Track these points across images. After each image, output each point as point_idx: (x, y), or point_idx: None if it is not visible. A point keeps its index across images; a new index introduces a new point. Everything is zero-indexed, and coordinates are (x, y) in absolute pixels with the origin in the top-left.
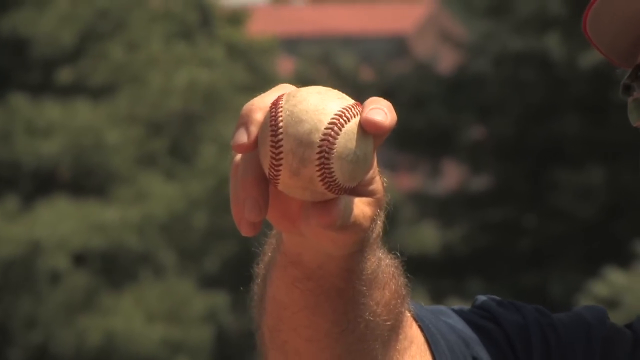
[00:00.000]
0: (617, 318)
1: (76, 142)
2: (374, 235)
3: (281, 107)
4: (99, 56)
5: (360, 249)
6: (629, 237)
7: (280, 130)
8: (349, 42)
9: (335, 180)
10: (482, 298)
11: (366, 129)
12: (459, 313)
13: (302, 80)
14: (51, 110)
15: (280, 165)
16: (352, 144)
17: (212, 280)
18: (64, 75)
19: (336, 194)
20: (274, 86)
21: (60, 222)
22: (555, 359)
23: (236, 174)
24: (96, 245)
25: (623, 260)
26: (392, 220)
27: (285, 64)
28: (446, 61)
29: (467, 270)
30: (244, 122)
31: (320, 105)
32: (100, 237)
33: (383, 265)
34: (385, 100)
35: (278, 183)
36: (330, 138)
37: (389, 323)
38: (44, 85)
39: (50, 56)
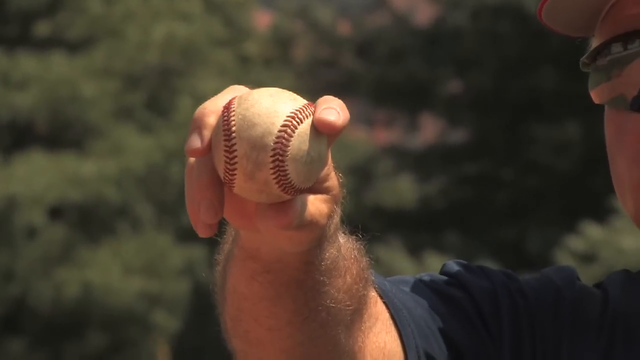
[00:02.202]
0: (593, 272)
1: (52, 95)
2: (332, 229)
3: (233, 110)
4: (77, 9)
5: (318, 244)
6: (606, 191)
7: (234, 134)
8: None
9: (290, 182)
10: (450, 264)
11: (319, 130)
12: (426, 283)
13: (279, 35)
14: (27, 63)
15: (235, 169)
16: (305, 145)
17: (190, 234)
18: (41, 28)
19: (292, 195)
20: (251, 40)
21: (36, 176)
22: (524, 324)
23: (191, 176)
24: (73, 198)
25: (600, 215)
26: (369, 174)
27: (263, 18)
28: (423, 14)
29: (445, 224)
30: (197, 127)
31: (272, 108)
32: (77, 190)
33: (344, 251)
34: (337, 99)
35: (233, 187)
36: (283, 140)
37: (351, 307)
38: (20, 39)
39: (28, 9)
